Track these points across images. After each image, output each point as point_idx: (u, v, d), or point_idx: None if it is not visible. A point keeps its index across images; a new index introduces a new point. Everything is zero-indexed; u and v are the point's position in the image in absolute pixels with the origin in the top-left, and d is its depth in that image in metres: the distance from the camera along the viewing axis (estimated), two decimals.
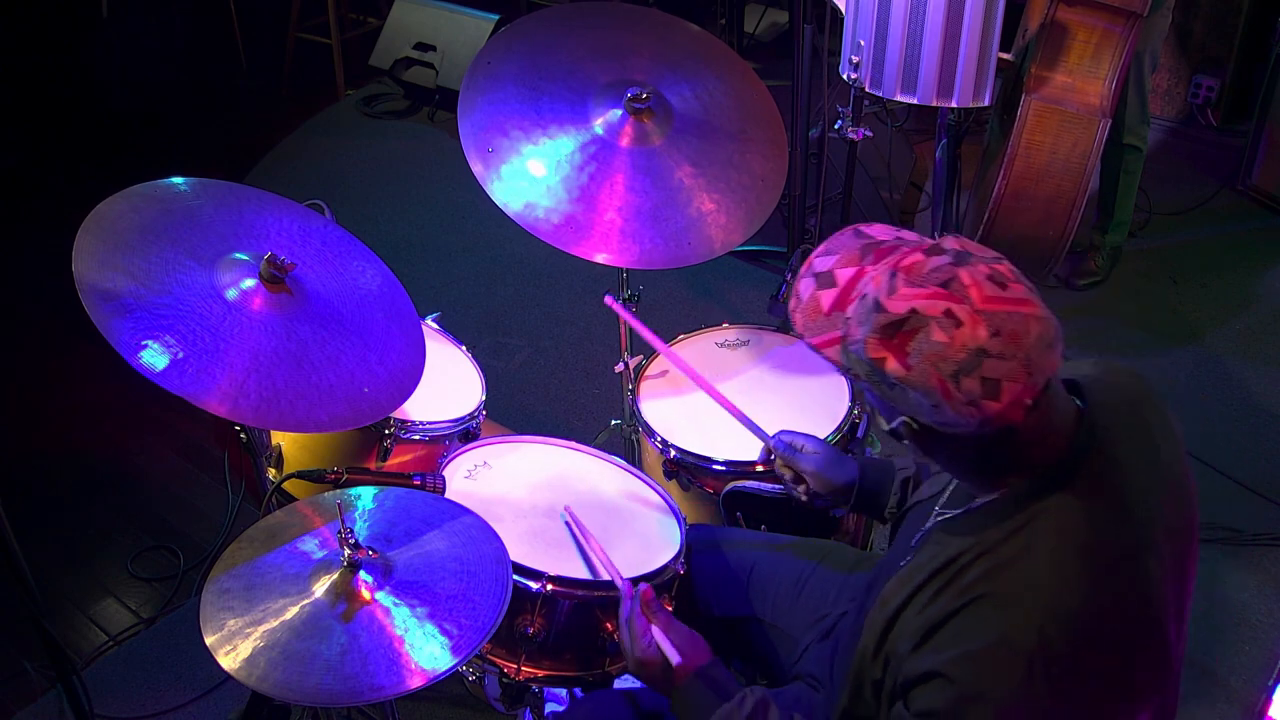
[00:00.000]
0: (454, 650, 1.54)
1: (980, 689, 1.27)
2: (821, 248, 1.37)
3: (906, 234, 1.34)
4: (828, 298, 1.32)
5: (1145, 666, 1.35)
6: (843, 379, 2.28)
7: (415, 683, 1.51)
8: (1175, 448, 1.46)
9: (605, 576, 1.81)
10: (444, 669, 1.53)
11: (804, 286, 1.35)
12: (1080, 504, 1.32)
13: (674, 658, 1.61)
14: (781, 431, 1.96)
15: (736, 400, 2.27)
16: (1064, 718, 1.27)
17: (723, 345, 2.41)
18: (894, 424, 1.34)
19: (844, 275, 1.31)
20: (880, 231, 1.35)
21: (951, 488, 1.53)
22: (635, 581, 1.81)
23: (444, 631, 1.56)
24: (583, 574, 1.83)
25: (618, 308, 2.23)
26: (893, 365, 1.25)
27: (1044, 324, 1.25)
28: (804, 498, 1.90)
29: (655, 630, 1.65)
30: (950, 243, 1.29)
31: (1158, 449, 1.43)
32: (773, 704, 1.55)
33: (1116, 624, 1.31)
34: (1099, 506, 1.33)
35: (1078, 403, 1.38)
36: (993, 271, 1.25)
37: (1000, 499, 1.36)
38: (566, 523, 1.95)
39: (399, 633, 1.56)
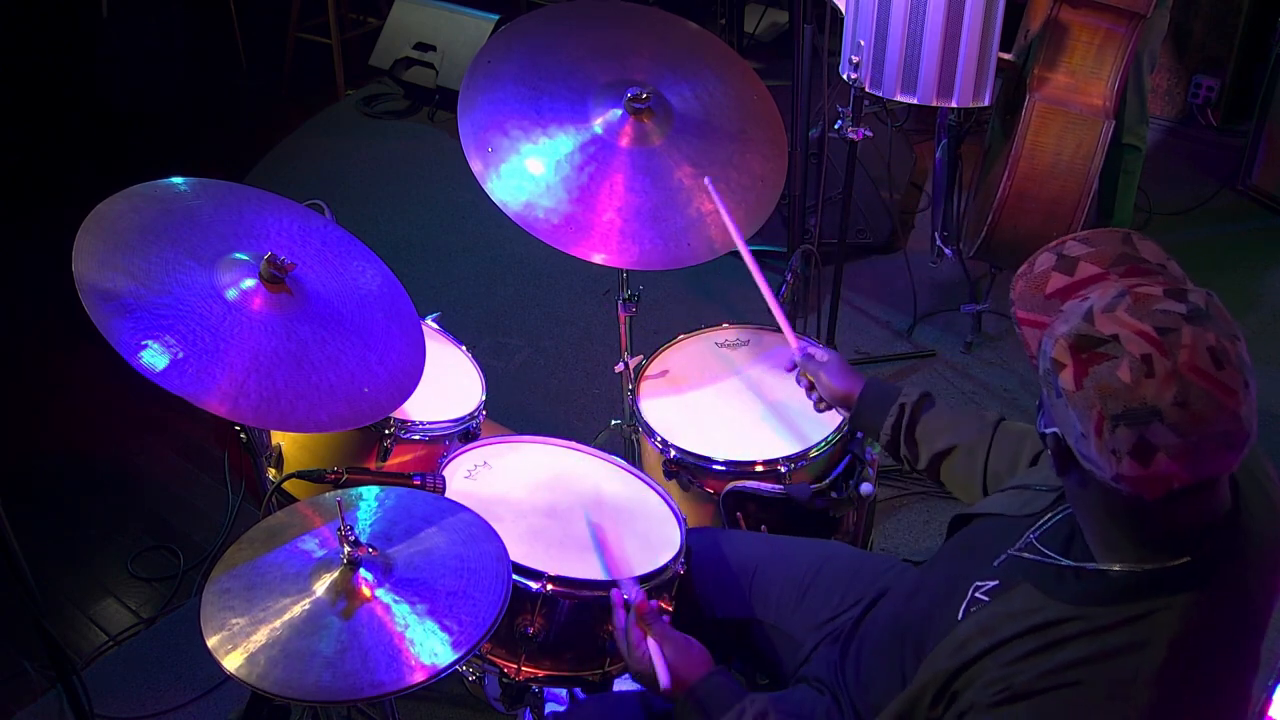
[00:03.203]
0: (454, 646, 1.54)
1: None
2: (1085, 234, 1.31)
3: (1174, 267, 1.28)
4: (1057, 282, 1.27)
5: None
6: None
7: (415, 678, 1.50)
8: None
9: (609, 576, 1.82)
10: (444, 665, 1.53)
11: (1043, 260, 1.30)
12: (1207, 611, 1.25)
13: (663, 680, 1.59)
14: (802, 340, 2.09)
15: (735, 401, 2.27)
16: None
17: (723, 345, 2.41)
18: (1045, 429, 1.30)
19: (1086, 270, 1.26)
20: (1150, 252, 1.28)
21: (1050, 519, 1.46)
22: (641, 580, 1.81)
23: (444, 628, 1.56)
24: (583, 574, 1.83)
25: (713, 191, 2.18)
26: (1065, 376, 1.19)
27: (1235, 423, 1.15)
28: (818, 407, 2.04)
29: (650, 644, 1.63)
30: (1199, 297, 1.19)
31: (1275, 528, 1.35)
32: (772, 712, 1.54)
33: None
34: (1224, 619, 1.27)
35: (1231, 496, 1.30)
36: (1219, 345, 1.15)
37: (1120, 575, 1.29)
38: (590, 524, 1.96)
39: (399, 629, 1.56)
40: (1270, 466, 1.40)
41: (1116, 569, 1.29)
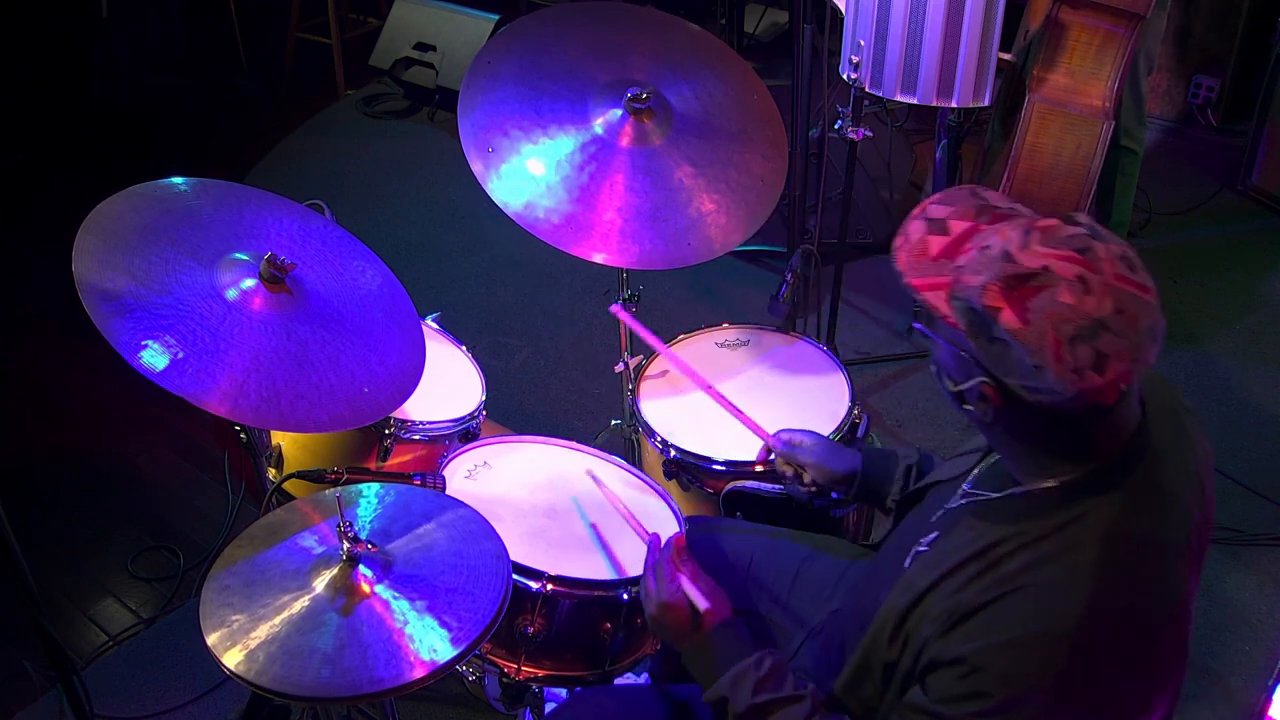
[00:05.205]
0: (454, 643, 1.55)
1: (1012, 679, 1.28)
2: (937, 197, 1.37)
3: (1021, 206, 1.35)
4: (938, 243, 1.32)
5: (1170, 661, 1.37)
6: (843, 379, 2.28)
7: (415, 675, 1.51)
8: (1204, 454, 1.47)
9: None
10: (443, 661, 1.53)
11: (914, 228, 1.35)
12: (1130, 505, 1.33)
13: (701, 603, 1.59)
14: (781, 430, 1.96)
15: (736, 401, 2.27)
16: (1090, 708, 1.29)
17: (723, 345, 2.42)
18: (968, 384, 1.33)
19: (958, 226, 1.32)
20: (996, 198, 1.36)
21: (978, 470, 1.53)
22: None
23: (443, 624, 1.57)
24: (583, 573, 1.83)
25: (623, 315, 2.25)
26: (1008, 317, 1.24)
27: (1156, 316, 1.25)
28: (806, 493, 1.91)
29: (683, 578, 1.63)
30: (1083, 218, 1.30)
31: (1193, 455, 1.44)
32: (789, 670, 1.55)
33: (1150, 623, 1.32)
34: (1146, 509, 1.34)
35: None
36: (1124, 252, 1.26)
37: (1047, 490, 1.36)
38: (593, 479, 1.99)
39: (398, 625, 1.56)
40: (1182, 398, 1.49)
41: (1046, 485, 1.36)
